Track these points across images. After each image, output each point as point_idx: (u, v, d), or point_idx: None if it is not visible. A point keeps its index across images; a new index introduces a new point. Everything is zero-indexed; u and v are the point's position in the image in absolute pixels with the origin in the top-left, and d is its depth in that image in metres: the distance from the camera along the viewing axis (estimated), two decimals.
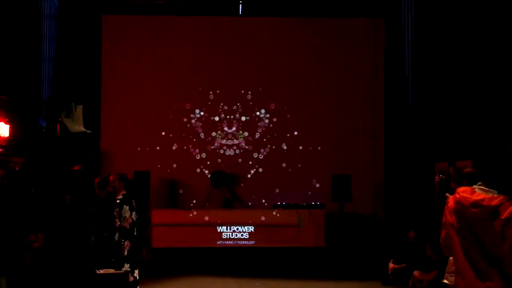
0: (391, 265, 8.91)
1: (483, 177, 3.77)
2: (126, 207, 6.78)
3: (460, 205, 3.79)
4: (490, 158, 4.03)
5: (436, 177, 7.33)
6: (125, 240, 6.73)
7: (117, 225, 6.71)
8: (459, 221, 3.78)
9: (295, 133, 11.69)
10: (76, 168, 8.27)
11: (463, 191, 3.83)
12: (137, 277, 6.88)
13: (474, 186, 3.78)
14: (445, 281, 5.12)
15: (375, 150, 11.69)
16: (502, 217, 3.52)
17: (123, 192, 6.86)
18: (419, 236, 8.93)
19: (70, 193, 7.12)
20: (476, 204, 3.68)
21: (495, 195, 3.63)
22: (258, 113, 11.73)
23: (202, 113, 11.68)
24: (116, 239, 6.68)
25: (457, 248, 3.78)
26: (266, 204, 11.35)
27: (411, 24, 10.74)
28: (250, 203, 11.49)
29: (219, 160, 11.57)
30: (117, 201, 6.80)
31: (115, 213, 6.72)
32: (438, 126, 9.80)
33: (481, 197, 3.68)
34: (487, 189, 3.69)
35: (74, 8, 11.19)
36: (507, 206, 3.54)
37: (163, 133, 11.54)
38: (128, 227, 6.77)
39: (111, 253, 6.66)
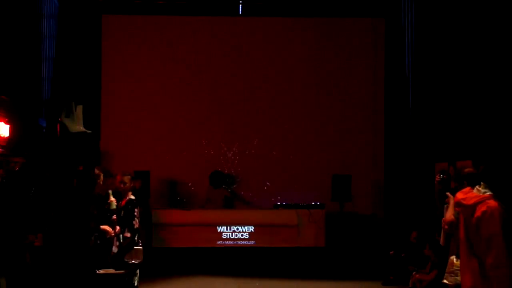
0: (392, 252, 8.98)
1: (483, 177, 3.76)
2: (138, 208, 6.71)
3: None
4: (491, 157, 4.04)
5: (436, 176, 7.35)
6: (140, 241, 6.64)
7: (136, 226, 6.52)
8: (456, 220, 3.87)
9: (295, 132, 11.69)
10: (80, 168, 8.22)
11: (461, 191, 3.88)
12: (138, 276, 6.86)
13: (475, 186, 3.77)
14: (445, 281, 5.12)
15: (375, 150, 11.70)
16: (475, 216, 3.56)
17: (131, 192, 6.78)
18: (420, 236, 8.93)
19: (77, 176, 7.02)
20: (458, 203, 3.76)
21: (480, 194, 3.64)
22: (257, 112, 11.73)
23: (201, 113, 11.68)
24: (136, 240, 6.58)
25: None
26: (266, 204, 11.35)
27: (411, 24, 10.74)
28: (250, 203, 11.48)
29: (219, 160, 11.56)
30: (134, 201, 6.66)
31: (135, 213, 6.59)
32: (438, 126, 9.80)
33: (464, 196, 3.72)
34: (483, 190, 3.68)
35: (74, 8, 11.18)
36: (482, 205, 3.56)
37: (163, 133, 11.54)
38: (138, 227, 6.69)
39: (132, 255, 6.52)
